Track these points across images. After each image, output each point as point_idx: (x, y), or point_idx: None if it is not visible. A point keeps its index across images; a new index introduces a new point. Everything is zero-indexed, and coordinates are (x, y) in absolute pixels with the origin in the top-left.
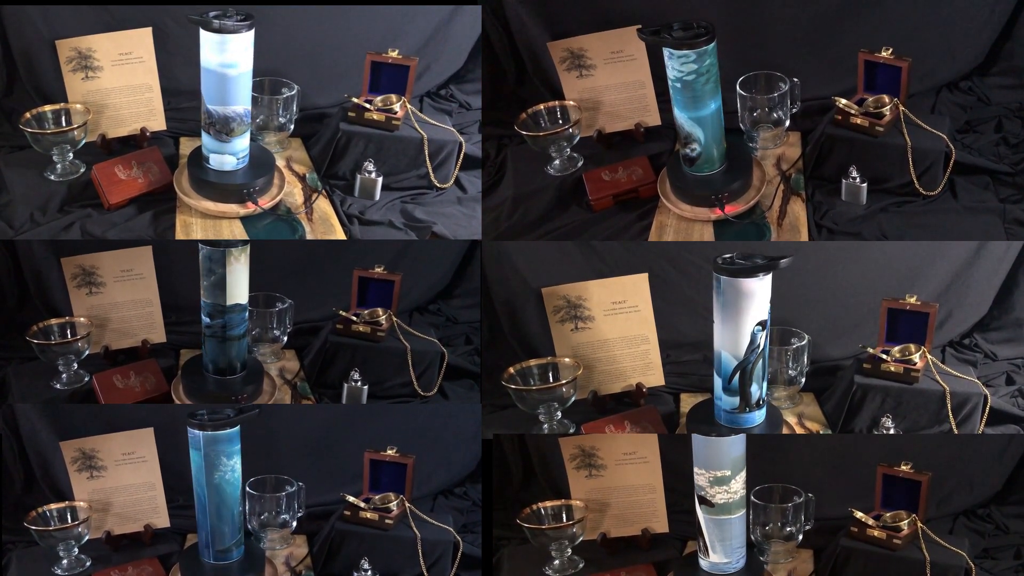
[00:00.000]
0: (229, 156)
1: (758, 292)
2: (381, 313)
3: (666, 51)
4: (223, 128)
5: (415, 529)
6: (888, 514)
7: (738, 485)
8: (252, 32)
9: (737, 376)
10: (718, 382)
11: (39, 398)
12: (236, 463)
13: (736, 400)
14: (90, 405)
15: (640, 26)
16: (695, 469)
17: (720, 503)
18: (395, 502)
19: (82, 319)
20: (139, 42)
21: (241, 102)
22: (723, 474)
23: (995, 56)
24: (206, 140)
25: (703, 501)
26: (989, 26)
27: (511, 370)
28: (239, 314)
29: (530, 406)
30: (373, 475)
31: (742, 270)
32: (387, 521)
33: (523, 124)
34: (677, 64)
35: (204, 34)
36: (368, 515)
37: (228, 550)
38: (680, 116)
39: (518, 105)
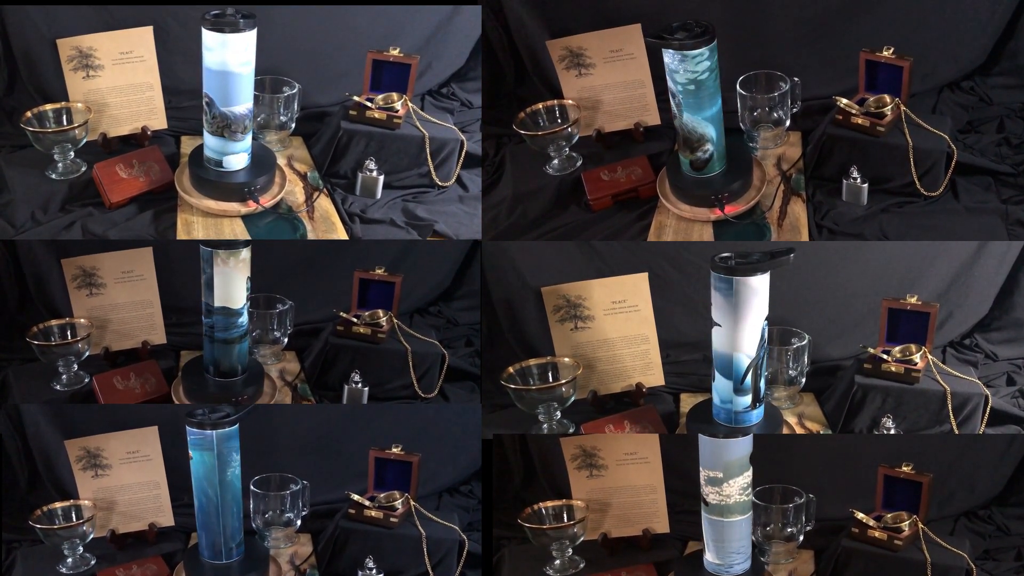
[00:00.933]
0: (241, 155)
1: (765, 287)
2: (382, 315)
3: (676, 55)
4: (238, 128)
5: (420, 527)
6: (889, 515)
7: (732, 489)
8: (255, 29)
9: (750, 374)
10: (725, 384)
11: (39, 399)
12: (239, 458)
13: (748, 399)
14: (93, 404)
15: (640, 24)
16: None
17: (713, 503)
18: (400, 500)
19: (82, 320)
20: (140, 41)
21: (249, 99)
22: (716, 475)
23: (997, 56)
24: (216, 143)
25: (702, 499)
26: (991, 26)
27: (510, 369)
28: (228, 318)
29: (529, 406)
30: (378, 473)
31: (752, 267)
32: (392, 519)
33: (522, 123)
34: (691, 66)
35: (213, 35)
36: (373, 513)
37: (232, 548)
38: (691, 120)
39: (517, 104)
